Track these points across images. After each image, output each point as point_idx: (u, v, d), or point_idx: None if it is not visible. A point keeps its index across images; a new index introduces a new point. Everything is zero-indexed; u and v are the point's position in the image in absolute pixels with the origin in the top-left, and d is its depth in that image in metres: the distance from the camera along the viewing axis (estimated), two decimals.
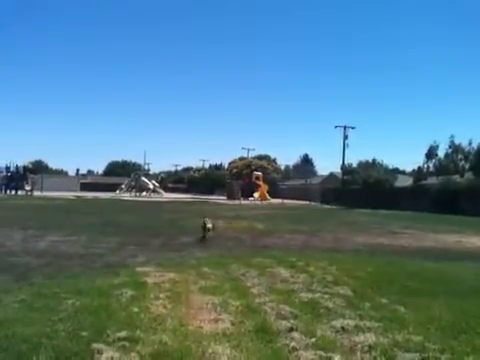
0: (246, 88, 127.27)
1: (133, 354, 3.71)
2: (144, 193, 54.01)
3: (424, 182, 41.01)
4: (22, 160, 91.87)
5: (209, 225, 12.15)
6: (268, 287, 6.37)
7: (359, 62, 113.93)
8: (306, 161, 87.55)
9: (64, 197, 36.61)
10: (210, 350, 3.88)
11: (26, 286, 6.00)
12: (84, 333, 4.13)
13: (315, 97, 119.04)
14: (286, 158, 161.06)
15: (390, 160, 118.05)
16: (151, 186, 57.34)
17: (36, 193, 38.69)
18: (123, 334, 4.11)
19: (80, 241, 11.07)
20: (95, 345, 3.83)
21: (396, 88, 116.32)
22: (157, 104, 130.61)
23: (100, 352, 3.70)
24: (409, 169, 60.72)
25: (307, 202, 45.29)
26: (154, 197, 48.92)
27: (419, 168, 46.80)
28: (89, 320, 4.53)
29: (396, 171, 54.71)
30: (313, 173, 77.53)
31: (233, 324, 4.64)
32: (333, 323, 4.72)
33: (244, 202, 43.78)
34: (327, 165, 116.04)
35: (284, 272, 7.54)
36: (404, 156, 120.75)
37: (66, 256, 8.78)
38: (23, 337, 3.97)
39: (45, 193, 40.88)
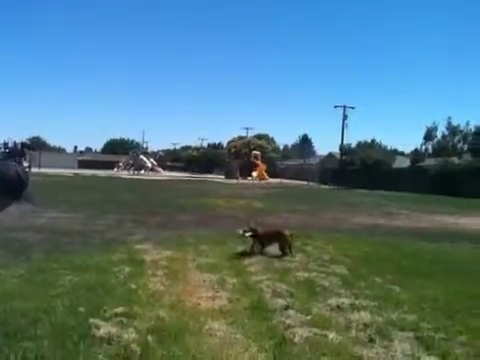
0: (246, 68, 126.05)
1: (130, 329, 3.74)
2: (142, 171, 53.99)
3: (422, 163, 41.03)
4: (20, 136, 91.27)
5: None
6: (265, 266, 6.41)
7: (359, 43, 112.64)
8: (305, 141, 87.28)
9: (62, 174, 36.57)
10: (207, 326, 3.91)
11: (24, 261, 6.02)
12: (82, 308, 4.15)
13: (315, 77, 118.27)
14: (285, 138, 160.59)
15: (389, 141, 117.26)
16: (149, 164, 57.34)
17: (33, 170, 38.50)
18: (120, 310, 4.14)
19: (78, 218, 11.10)
20: (92, 320, 3.86)
21: (396, 69, 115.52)
22: (157, 83, 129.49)
23: (97, 327, 3.72)
24: (408, 150, 60.66)
25: (305, 182, 45.33)
26: (152, 175, 48.88)
27: (417, 149, 46.79)
28: (87, 296, 4.55)
29: (395, 152, 54.73)
30: (312, 153, 77.37)
31: (230, 301, 4.67)
32: (329, 301, 4.75)
33: (242, 181, 43.84)
34: (326, 145, 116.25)
35: None
36: (403, 137, 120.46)
37: (64, 232, 8.79)
38: (21, 312, 3.98)
39: (43, 170, 40.72)
